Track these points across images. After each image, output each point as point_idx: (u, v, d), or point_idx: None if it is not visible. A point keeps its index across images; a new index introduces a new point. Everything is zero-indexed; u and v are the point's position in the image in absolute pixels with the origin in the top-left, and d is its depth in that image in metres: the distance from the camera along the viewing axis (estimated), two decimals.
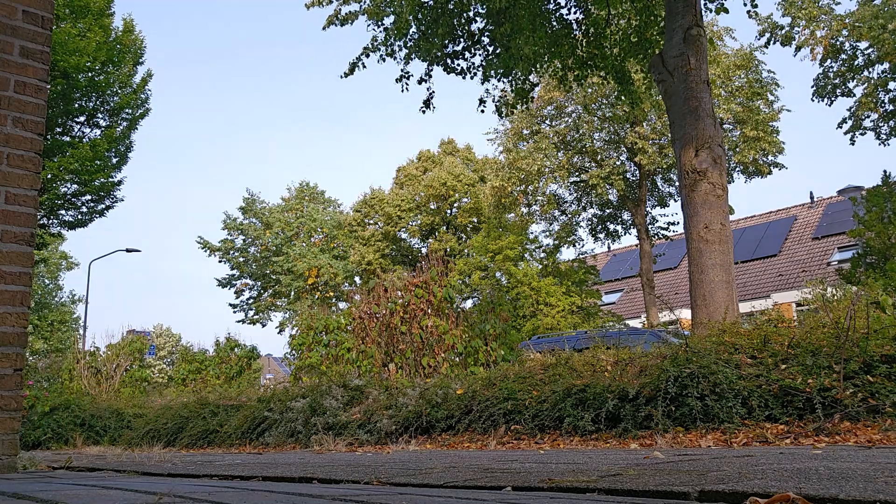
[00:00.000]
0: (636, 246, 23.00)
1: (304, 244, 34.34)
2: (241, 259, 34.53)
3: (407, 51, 9.61)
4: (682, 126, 7.42)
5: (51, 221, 16.09)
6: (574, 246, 23.92)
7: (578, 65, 10.25)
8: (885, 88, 20.12)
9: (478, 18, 9.73)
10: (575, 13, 10.21)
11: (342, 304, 26.66)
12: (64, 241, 36.13)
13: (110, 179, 16.09)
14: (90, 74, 15.27)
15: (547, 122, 23.31)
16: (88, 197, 16.02)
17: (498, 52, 9.81)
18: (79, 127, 16.04)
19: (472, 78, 10.05)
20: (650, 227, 21.78)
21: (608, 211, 23.33)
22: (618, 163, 22.34)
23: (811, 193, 30.70)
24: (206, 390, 10.49)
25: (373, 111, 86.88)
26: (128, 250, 26.86)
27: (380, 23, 9.57)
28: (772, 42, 21.01)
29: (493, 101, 10.87)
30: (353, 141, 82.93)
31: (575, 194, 23.62)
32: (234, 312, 34.93)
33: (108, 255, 27.37)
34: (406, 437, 4.36)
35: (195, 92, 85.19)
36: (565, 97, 21.73)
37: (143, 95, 16.83)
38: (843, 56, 20.50)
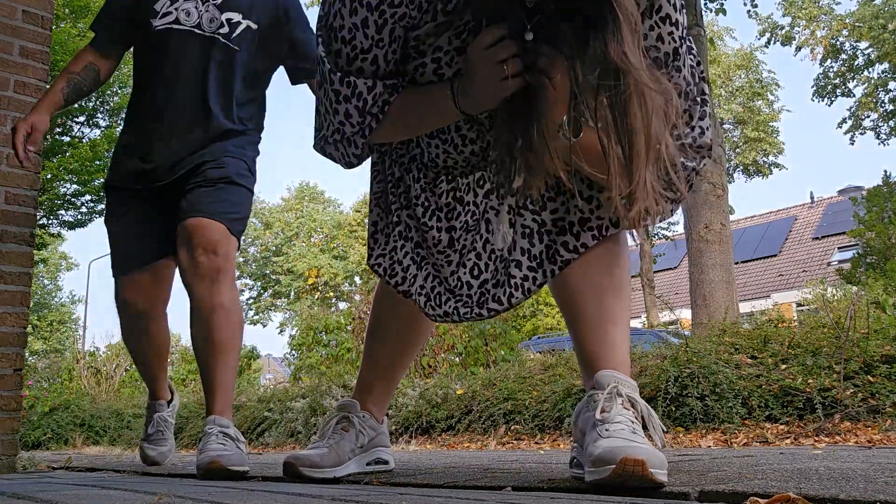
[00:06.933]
0: (636, 246, 23.00)
1: (304, 244, 34.32)
2: (241, 259, 34.50)
3: None
4: None
5: (51, 221, 16.07)
6: None
7: None
8: (885, 88, 20.14)
9: None
10: None
11: (342, 305, 26.63)
12: (64, 241, 36.05)
13: None
14: None
15: None
16: (88, 197, 15.98)
17: None
18: (79, 127, 16.02)
19: None
20: (650, 227, 21.78)
21: None
22: None
23: (811, 193, 30.72)
24: None
25: None
26: None
27: None
28: (772, 42, 21.04)
29: None
30: None
31: None
32: None
33: (108, 255, 27.36)
34: (406, 438, 4.36)
35: None
36: None
37: None
38: (843, 56, 20.52)
